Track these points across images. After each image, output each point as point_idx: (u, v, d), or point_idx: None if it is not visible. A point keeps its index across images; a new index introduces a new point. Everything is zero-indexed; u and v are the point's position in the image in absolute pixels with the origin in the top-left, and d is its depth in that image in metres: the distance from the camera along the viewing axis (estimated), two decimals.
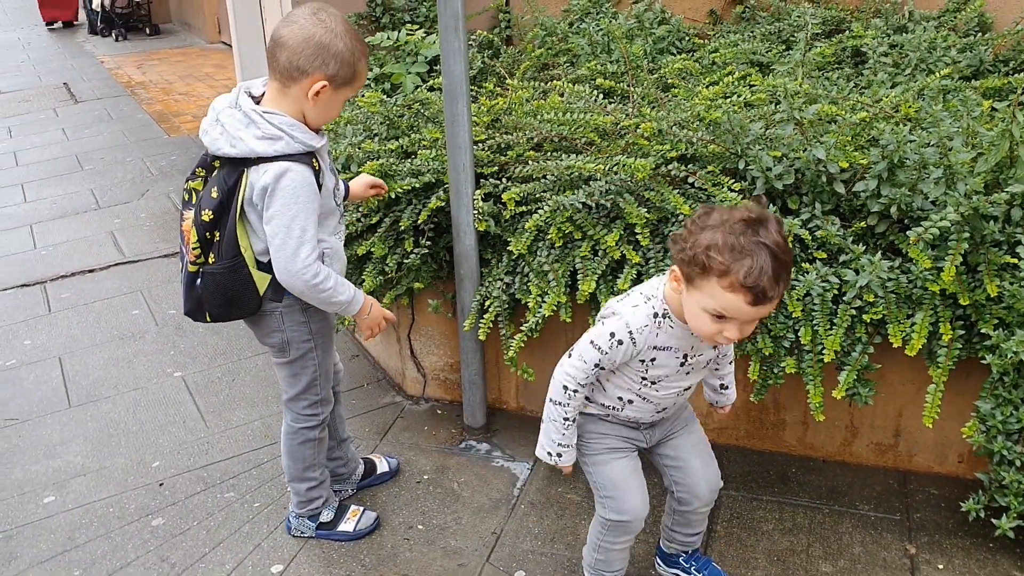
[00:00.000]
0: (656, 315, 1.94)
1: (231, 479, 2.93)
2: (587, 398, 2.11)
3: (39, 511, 2.83)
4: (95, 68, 10.04)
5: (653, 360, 1.98)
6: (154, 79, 9.28)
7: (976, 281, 2.45)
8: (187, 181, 2.25)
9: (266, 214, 2.14)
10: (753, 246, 1.71)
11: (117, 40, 11.72)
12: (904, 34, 3.71)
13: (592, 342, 1.96)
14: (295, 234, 2.11)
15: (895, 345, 2.44)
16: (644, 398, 2.05)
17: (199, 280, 2.25)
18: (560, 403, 2.02)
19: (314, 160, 2.15)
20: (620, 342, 1.93)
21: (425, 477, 2.90)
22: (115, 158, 6.60)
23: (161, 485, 2.93)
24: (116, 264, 4.72)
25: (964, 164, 2.50)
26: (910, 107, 2.91)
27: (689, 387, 2.09)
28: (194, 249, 2.22)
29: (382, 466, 2.89)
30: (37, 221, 5.41)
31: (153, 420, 3.30)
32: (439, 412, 3.26)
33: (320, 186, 2.18)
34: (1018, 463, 2.37)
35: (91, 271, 4.65)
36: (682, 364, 2.00)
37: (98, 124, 7.57)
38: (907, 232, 2.44)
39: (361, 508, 2.69)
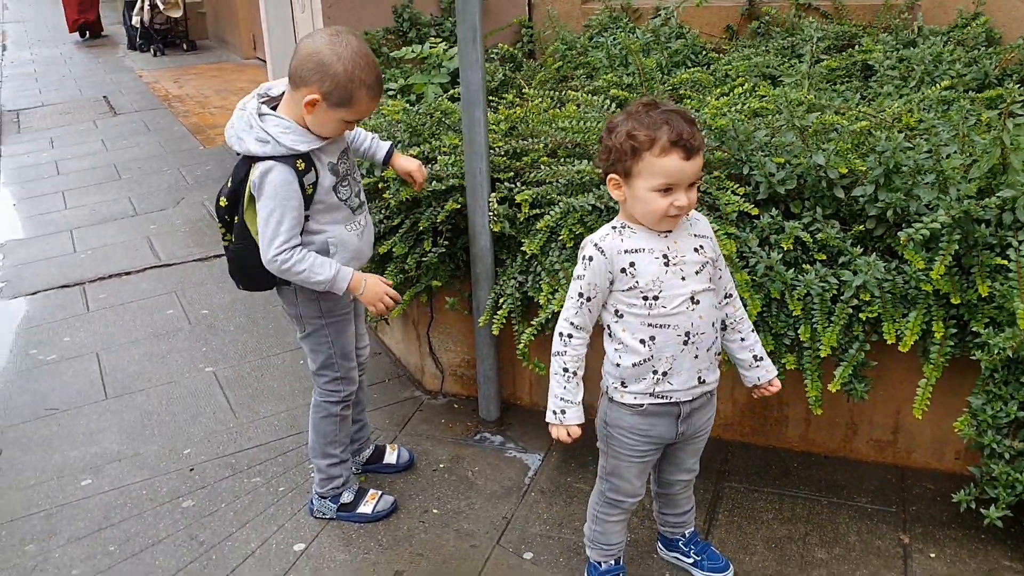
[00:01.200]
0: (615, 227, 2.11)
1: (258, 465, 3.09)
2: (622, 382, 2.13)
3: (77, 492, 3.00)
4: (134, 82, 10.34)
5: (633, 265, 2.06)
6: (191, 93, 9.56)
7: (969, 282, 2.56)
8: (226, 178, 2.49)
9: (257, 206, 2.37)
10: (661, 115, 1.98)
11: (155, 55, 12.04)
12: (912, 48, 3.82)
13: (576, 276, 2.12)
14: (271, 226, 2.33)
15: (889, 342, 2.55)
16: (660, 325, 2.07)
17: (228, 253, 2.55)
18: (558, 352, 2.13)
19: (299, 161, 2.34)
20: (591, 258, 2.07)
21: (441, 466, 3.05)
22: (152, 168, 6.83)
23: (192, 470, 3.09)
24: (152, 267, 4.92)
25: (957, 169, 2.61)
26: (911, 117, 3.03)
27: (696, 299, 2.08)
28: (220, 228, 2.52)
29: (390, 457, 3.04)
30: (77, 226, 5.63)
31: (185, 411, 3.47)
32: (456, 406, 3.41)
33: (313, 185, 2.38)
34: (1007, 456, 2.47)
35: (128, 273, 4.85)
36: (666, 264, 2.07)
37: (136, 135, 7.83)
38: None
39: (379, 492, 2.83)
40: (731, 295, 2.26)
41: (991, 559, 2.54)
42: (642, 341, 2.10)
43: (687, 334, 2.10)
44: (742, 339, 2.29)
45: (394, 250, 3.04)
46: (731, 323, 2.27)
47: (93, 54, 12.68)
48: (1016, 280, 2.46)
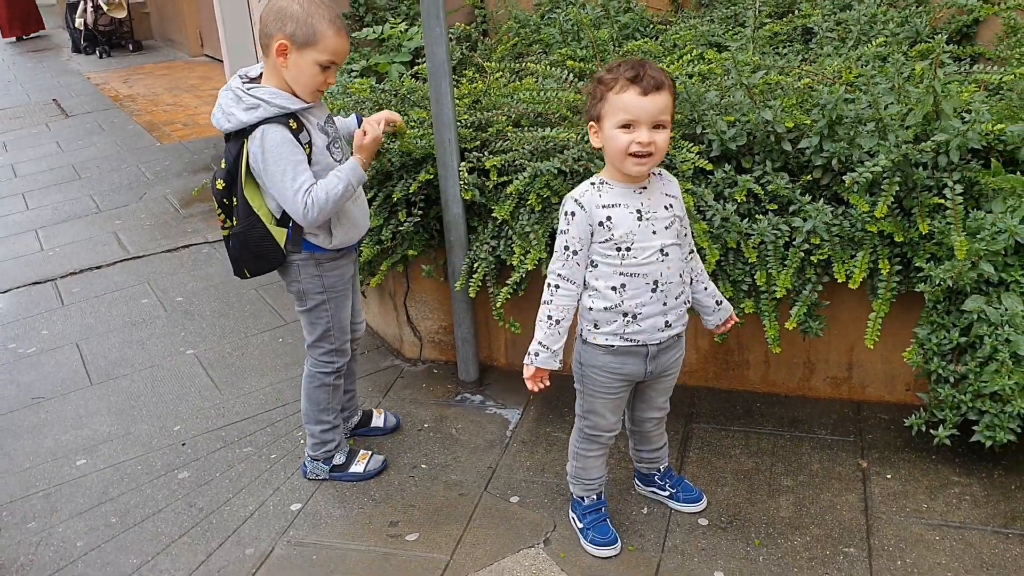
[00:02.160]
0: (593, 183, 2.29)
1: (248, 436, 3.21)
2: (595, 324, 2.30)
3: (73, 472, 3.10)
4: (82, 84, 10.27)
5: (609, 219, 2.22)
6: (141, 92, 9.53)
7: (910, 222, 2.76)
8: (217, 164, 2.58)
9: (265, 180, 2.47)
10: (628, 62, 2.20)
11: (101, 57, 11.94)
12: (849, 11, 4.02)
13: (559, 232, 2.28)
14: (287, 182, 2.43)
15: (839, 280, 2.75)
16: (631, 274, 2.25)
17: (230, 242, 2.59)
18: (546, 301, 2.30)
19: (291, 121, 2.46)
20: (572, 213, 2.24)
21: (425, 426, 3.19)
22: (111, 166, 6.85)
23: (184, 445, 3.20)
24: (122, 260, 4.98)
25: (894, 118, 2.81)
26: (850, 73, 3.22)
27: (665, 252, 2.25)
28: (219, 215, 2.58)
29: (377, 420, 3.17)
30: (41, 226, 5.66)
31: (171, 392, 3.57)
32: (435, 372, 3.55)
33: (308, 145, 2.50)
34: (951, 379, 2.68)
35: (98, 267, 4.90)
36: (639, 219, 2.24)
37: (91, 136, 7.82)
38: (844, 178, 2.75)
39: (370, 452, 2.97)
40: (692, 251, 2.45)
41: (941, 476, 2.75)
42: (613, 288, 2.27)
43: (655, 283, 2.28)
44: (705, 288, 2.50)
45: (369, 223, 3.17)
46: (694, 276, 2.46)
47: (36, 59, 12.52)
48: (952, 217, 2.66)
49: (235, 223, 2.55)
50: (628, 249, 2.24)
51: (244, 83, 2.50)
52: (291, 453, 3.09)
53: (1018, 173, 2.75)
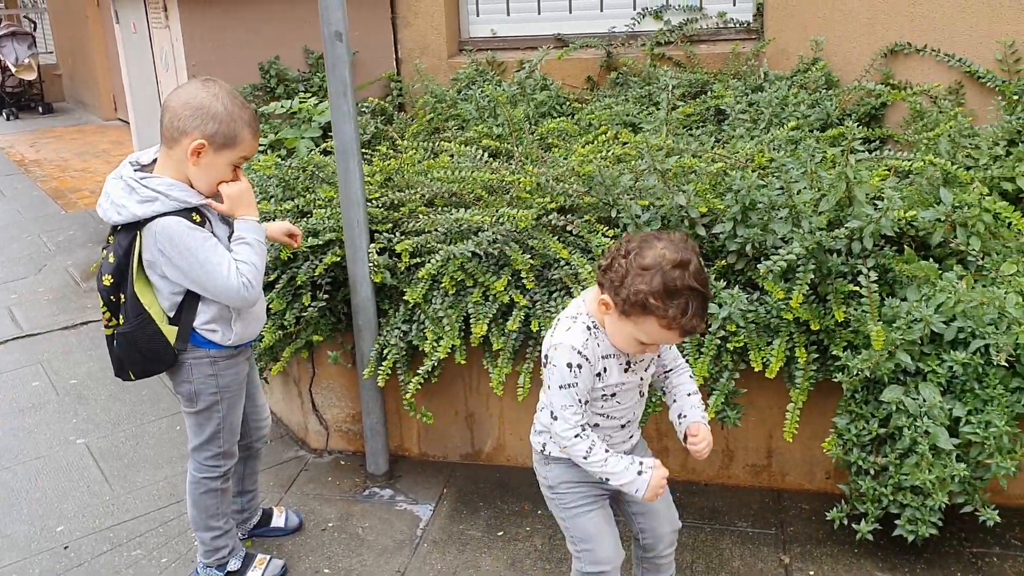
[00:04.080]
0: (589, 328, 2.08)
1: (137, 538, 2.98)
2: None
3: None
4: None
5: (605, 370, 2.10)
6: (49, 157, 9.21)
7: (826, 309, 2.72)
8: (102, 251, 2.38)
9: (176, 274, 2.28)
10: (687, 291, 1.91)
11: (8, 120, 11.58)
12: (760, 93, 4.07)
13: (561, 387, 2.06)
14: (214, 268, 2.26)
15: (756, 369, 2.68)
16: (607, 415, 2.16)
17: (115, 342, 2.38)
18: (589, 451, 2.07)
19: (193, 214, 2.29)
20: (579, 367, 2.05)
21: (330, 525, 3.00)
22: (10, 235, 6.54)
23: (66, 548, 2.95)
24: (14, 339, 4.69)
25: (807, 204, 2.79)
26: (763, 157, 3.22)
27: (642, 392, 2.20)
28: (104, 313, 2.38)
29: (278, 520, 2.97)
30: None
31: (56, 487, 3.31)
32: (342, 463, 3.37)
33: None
34: (872, 471, 2.62)
35: None
36: (627, 369, 2.12)
37: None
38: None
39: (268, 557, 2.77)
40: (677, 363, 2.31)
41: (864, 570, 2.67)
42: (587, 425, 2.15)
43: (628, 422, 2.22)
44: (675, 400, 2.30)
45: (271, 306, 3.01)
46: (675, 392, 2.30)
47: None
48: (868, 305, 2.63)
49: (121, 322, 2.36)
50: (613, 395, 2.14)
51: (136, 170, 2.33)
52: (184, 556, 2.86)
53: (930, 259, 2.76)
